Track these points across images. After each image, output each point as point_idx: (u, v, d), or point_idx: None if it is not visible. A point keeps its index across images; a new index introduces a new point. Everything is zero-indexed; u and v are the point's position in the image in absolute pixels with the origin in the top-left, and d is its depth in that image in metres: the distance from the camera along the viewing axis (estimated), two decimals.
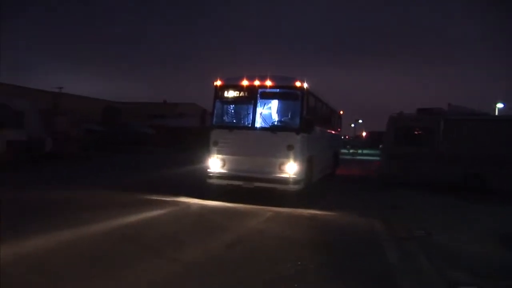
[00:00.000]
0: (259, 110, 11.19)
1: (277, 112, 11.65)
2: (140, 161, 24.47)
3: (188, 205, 10.37)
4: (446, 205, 11.90)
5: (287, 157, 10.79)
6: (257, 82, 11.13)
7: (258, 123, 11.13)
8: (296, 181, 10.76)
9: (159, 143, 38.67)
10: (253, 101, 11.17)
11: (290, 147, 10.75)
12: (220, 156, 11.21)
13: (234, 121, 11.79)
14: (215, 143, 11.22)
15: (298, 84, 10.96)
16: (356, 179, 18.64)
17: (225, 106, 11.91)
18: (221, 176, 11.16)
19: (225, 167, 11.19)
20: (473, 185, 13.94)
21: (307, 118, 10.97)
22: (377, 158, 23.06)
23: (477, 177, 13.94)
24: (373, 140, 63.53)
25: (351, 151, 55.82)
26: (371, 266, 6.10)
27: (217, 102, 11.62)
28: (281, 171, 10.82)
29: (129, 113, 46.54)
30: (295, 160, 10.78)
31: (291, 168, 10.76)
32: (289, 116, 11.30)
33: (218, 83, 11.47)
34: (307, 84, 11.06)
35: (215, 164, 11.23)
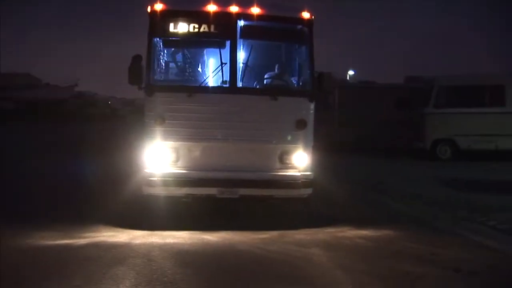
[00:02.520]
0: (240, 57, 6.24)
1: (271, 63, 6.77)
2: None
3: (127, 247, 5.09)
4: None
5: (295, 141, 6.19)
6: (235, 8, 6.15)
7: (241, 81, 6.23)
8: (308, 182, 6.23)
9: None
10: (230, 41, 6.15)
11: (300, 124, 6.14)
12: (169, 143, 6.03)
13: (193, 77, 6.64)
14: (160, 119, 5.96)
15: (306, 16, 6.30)
16: None
17: (173, 50, 6.66)
18: (174, 181, 5.98)
19: (180, 163, 6.06)
20: (364, 146, 14.93)
21: (322, 74, 6.41)
22: None
23: (368, 138, 14.93)
24: None
25: None
26: None
27: (158, 42, 6.26)
28: (285, 165, 6.19)
29: None
30: (306, 146, 6.25)
31: (300, 160, 6.21)
32: (291, 70, 6.60)
33: (159, 7, 6.08)
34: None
35: (159, 158, 6.02)
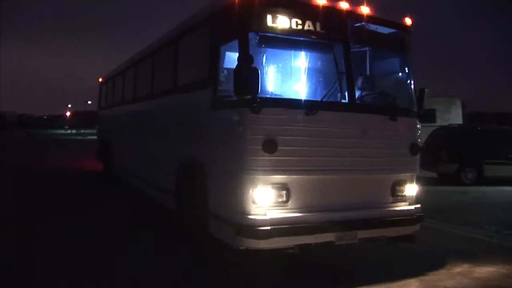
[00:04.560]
0: (354, 67, 4.94)
1: (380, 75, 5.57)
2: None
3: None
4: None
5: (410, 168, 5.23)
6: (345, 5, 4.88)
7: (357, 97, 4.97)
8: (420, 216, 5.30)
9: None
10: (342, 47, 4.86)
11: (414, 148, 5.20)
12: (279, 177, 4.43)
13: (301, 91, 5.08)
14: (270, 145, 4.32)
15: (409, 22, 5.39)
16: None
17: (270, 52, 4.98)
18: (285, 228, 4.39)
19: (291, 204, 4.50)
20: None
21: (424, 91, 5.51)
22: None
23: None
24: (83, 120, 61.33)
25: (73, 131, 53.30)
26: None
27: (252, 37, 4.50)
28: (396, 198, 5.15)
29: None
30: (416, 173, 5.34)
31: (412, 191, 5.27)
32: (398, 85, 5.52)
33: None
34: None
35: (263, 198, 4.38)
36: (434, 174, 14.40)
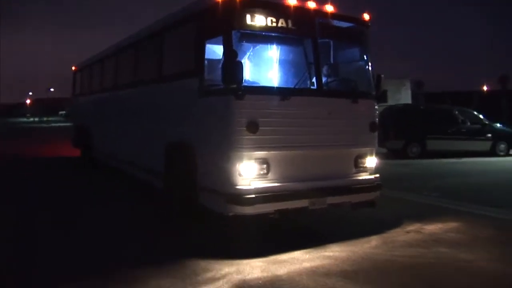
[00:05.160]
0: (322, 57, 5.76)
1: (341, 64, 6.42)
2: None
3: (283, 281, 4.24)
4: None
5: (370, 143, 6.15)
6: (312, 4, 5.68)
7: (324, 83, 5.79)
8: (380, 185, 6.24)
9: None
10: (310, 41, 5.68)
11: (373, 126, 6.12)
12: (261, 153, 5.23)
13: (280, 78, 5.87)
14: (252, 127, 5.12)
15: (367, 17, 6.25)
16: None
17: (250, 46, 5.72)
18: (266, 196, 5.21)
19: (271, 176, 5.33)
20: None
21: (380, 76, 6.42)
22: None
23: None
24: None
25: (35, 119, 52.34)
26: None
27: (235, 35, 5.23)
28: (359, 169, 6.07)
29: None
30: (375, 148, 6.26)
31: (372, 163, 6.19)
32: (358, 72, 6.37)
33: None
34: None
35: (249, 172, 5.19)
36: (384, 150, 15.65)
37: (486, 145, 14.88)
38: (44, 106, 62.59)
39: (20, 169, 12.14)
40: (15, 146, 19.36)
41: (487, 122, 15.31)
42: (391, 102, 18.42)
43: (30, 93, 77.01)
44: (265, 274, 4.39)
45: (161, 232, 5.95)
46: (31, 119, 56.71)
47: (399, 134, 14.90)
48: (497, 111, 44.89)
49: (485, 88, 50.74)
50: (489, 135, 14.95)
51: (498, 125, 15.84)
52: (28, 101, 72.95)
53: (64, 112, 56.86)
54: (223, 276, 4.32)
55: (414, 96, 52.18)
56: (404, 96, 19.92)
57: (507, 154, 15.01)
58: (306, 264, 4.69)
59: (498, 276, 4.52)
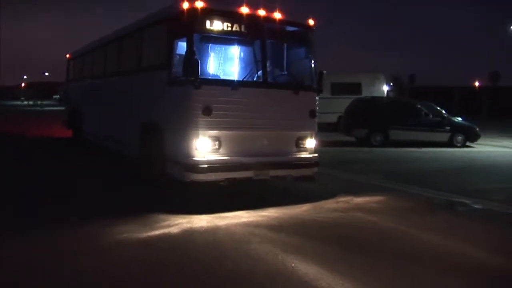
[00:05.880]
0: (268, 56, 7.04)
1: (288, 62, 7.70)
2: None
3: (220, 230, 5.54)
4: None
5: (309, 128, 7.43)
6: (262, 12, 6.94)
7: (270, 77, 7.07)
8: (317, 162, 7.56)
9: None
10: (259, 42, 6.96)
11: (313, 114, 7.41)
12: (213, 132, 6.53)
13: (231, 72, 7.12)
14: (207, 111, 6.40)
15: (311, 23, 7.51)
16: None
17: (208, 46, 7.00)
18: (216, 167, 6.54)
19: (222, 151, 6.62)
20: None
21: (322, 73, 7.70)
22: None
23: None
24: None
25: (29, 102, 52.92)
26: None
27: (196, 37, 6.57)
28: (299, 149, 7.36)
29: None
30: (314, 132, 7.55)
31: (311, 144, 7.49)
32: (302, 69, 7.65)
33: (200, 4, 6.42)
34: None
35: (204, 146, 6.48)
36: (353, 139, 17.11)
37: (444, 137, 16.21)
38: (38, 89, 63.52)
39: (20, 147, 13.55)
40: (12, 127, 20.53)
41: (446, 116, 16.65)
42: (365, 94, 19.97)
43: (25, 77, 77.62)
44: (208, 224, 5.72)
45: (134, 193, 7.37)
46: (25, 102, 57.38)
47: (364, 123, 16.22)
48: (478, 106, 46.40)
49: (476, 84, 52.37)
50: (448, 127, 16.29)
51: (458, 118, 17.19)
52: (22, 85, 73.60)
53: (57, 96, 57.64)
54: (176, 225, 5.63)
55: (401, 89, 53.32)
56: (377, 89, 21.26)
57: (464, 146, 16.38)
58: (244, 220, 6.00)
59: (387, 231, 5.86)
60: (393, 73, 52.10)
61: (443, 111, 16.88)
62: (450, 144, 16.18)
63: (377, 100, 18.03)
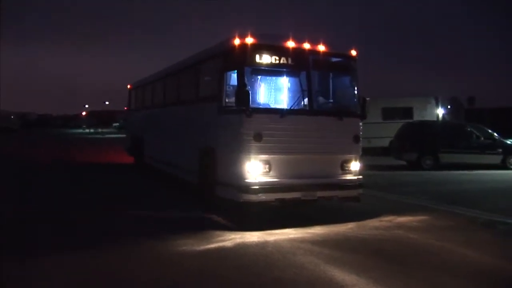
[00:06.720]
0: (313, 85, 7.66)
1: (333, 90, 8.32)
2: None
3: (276, 245, 6.10)
4: None
5: (353, 151, 7.91)
6: (307, 45, 7.59)
7: (316, 105, 7.67)
8: (362, 184, 7.98)
9: None
10: (305, 73, 7.60)
11: (356, 139, 7.87)
12: (264, 157, 7.15)
13: (279, 102, 7.83)
14: (258, 137, 7.06)
15: (354, 53, 8.07)
16: None
17: (258, 77, 7.75)
18: (267, 188, 7.13)
19: (272, 173, 7.22)
20: None
21: (365, 99, 8.20)
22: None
23: None
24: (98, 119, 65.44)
25: (91, 130, 56.17)
26: None
27: (247, 70, 7.32)
28: (344, 171, 7.83)
29: None
30: (358, 155, 8.00)
31: (355, 166, 7.93)
32: (346, 96, 8.22)
33: (250, 40, 7.19)
34: None
35: (255, 169, 7.10)
36: (404, 163, 17.26)
37: (497, 159, 15.99)
38: (98, 118, 67.16)
39: (90, 171, 14.91)
40: (79, 153, 22.23)
41: (497, 138, 16.42)
42: (417, 118, 20.09)
43: (87, 106, 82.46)
44: (259, 239, 6.31)
45: (190, 212, 8.16)
46: (87, 130, 60.84)
47: (414, 147, 16.35)
48: None
49: None
50: (500, 149, 16.06)
51: (510, 141, 16.88)
52: (83, 113, 77.87)
53: (117, 124, 60.78)
54: (230, 239, 6.27)
55: (458, 112, 51.99)
56: (429, 113, 21.29)
57: None
58: (291, 236, 6.56)
59: (423, 245, 6.22)
60: (452, 96, 50.99)
61: (495, 134, 16.67)
62: (503, 166, 15.93)
63: (427, 124, 18.11)
